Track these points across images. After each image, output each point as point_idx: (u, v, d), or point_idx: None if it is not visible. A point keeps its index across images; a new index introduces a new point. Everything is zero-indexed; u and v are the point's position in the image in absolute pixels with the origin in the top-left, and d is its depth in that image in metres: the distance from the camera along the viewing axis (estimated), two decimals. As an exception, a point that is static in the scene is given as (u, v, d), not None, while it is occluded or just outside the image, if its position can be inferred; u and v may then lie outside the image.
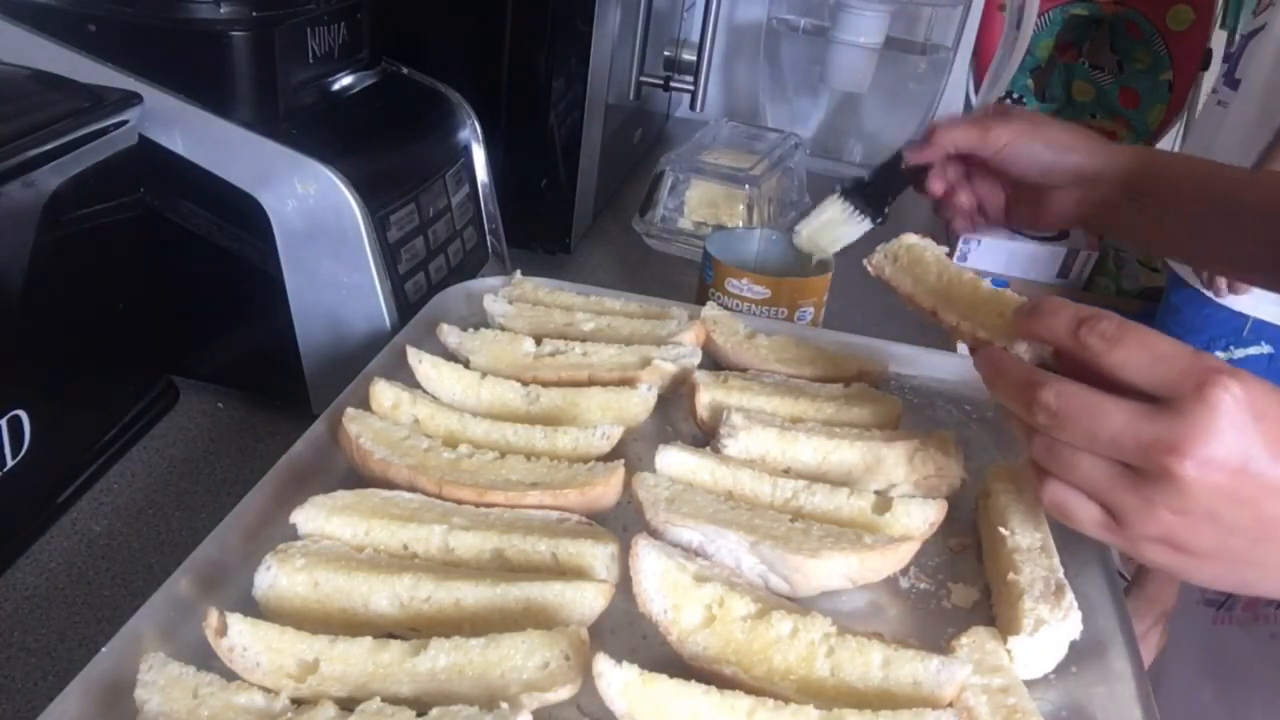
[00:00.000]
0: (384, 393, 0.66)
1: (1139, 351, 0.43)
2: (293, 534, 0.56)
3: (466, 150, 0.91)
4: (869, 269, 0.68)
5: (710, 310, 0.80)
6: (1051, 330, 0.47)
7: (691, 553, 0.55)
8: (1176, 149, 2.16)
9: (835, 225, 0.83)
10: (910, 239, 0.68)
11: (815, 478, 0.62)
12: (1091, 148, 0.75)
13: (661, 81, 1.22)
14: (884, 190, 0.82)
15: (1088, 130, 0.78)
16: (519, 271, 0.86)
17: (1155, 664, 0.92)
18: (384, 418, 0.65)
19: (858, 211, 0.82)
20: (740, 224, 1.12)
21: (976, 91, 2.02)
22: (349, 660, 0.47)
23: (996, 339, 0.56)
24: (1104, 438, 0.44)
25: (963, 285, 0.63)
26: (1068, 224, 0.78)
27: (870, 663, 0.49)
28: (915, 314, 0.66)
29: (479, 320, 0.80)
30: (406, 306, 0.78)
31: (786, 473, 0.63)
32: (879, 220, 0.81)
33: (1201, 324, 1.50)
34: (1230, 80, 1.56)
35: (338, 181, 0.72)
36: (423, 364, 0.70)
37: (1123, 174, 0.73)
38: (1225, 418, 0.41)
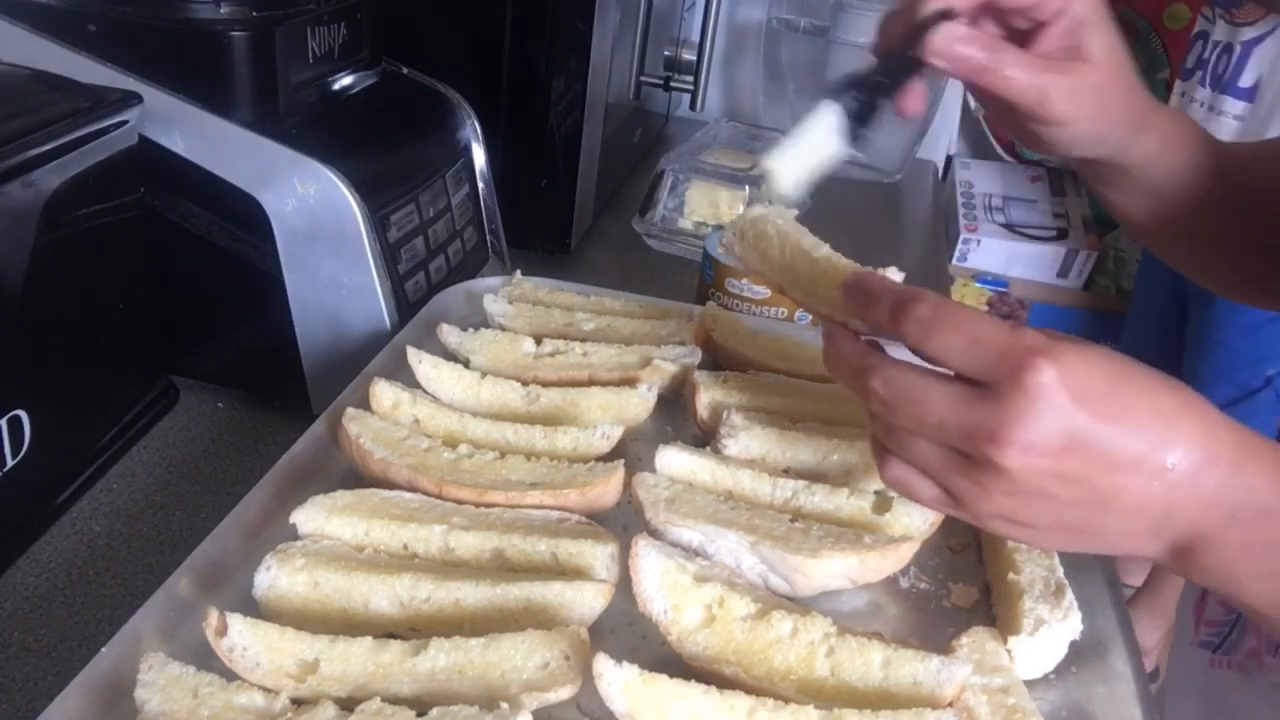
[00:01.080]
0: (384, 393, 0.66)
1: (955, 336, 0.42)
2: (293, 534, 0.56)
3: (466, 150, 0.91)
4: (719, 251, 0.62)
5: (710, 310, 0.80)
6: (873, 317, 0.46)
7: (691, 553, 0.55)
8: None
9: (815, 149, 0.61)
10: (755, 211, 0.61)
11: (815, 478, 0.62)
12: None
13: (661, 81, 1.22)
14: (882, 88, 0.61)
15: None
16: (519, 271, 0.86)
17: (1155, 699, 0.91)
18: (384, 418, 0.65)
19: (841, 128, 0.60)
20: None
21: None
22: (349, 660, 0.47)
23: (838, 313, 0.51)
24: (930, 424, 0.43)
25: (803, 256, 0.57)
26: (1079, 148, 0.60)
27: (870, 663, 0.49)
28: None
29: (479, 320, 0.80)
30: (406, 306, 0.78)
31: (786, 473, 0.63)
32: (858, 136, 0.60)
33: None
34: (1235, 89, 1.53)
35: (338, 181, 0.72)
36: (423, 364, 0.70)
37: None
38: (1041, 402, 0.40)
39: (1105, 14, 0.57)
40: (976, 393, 0.42)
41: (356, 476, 0.61)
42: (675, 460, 0.62)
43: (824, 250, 0.56)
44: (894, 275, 0.51)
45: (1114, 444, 0.41)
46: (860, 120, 0.60)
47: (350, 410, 0.63)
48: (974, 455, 0.42)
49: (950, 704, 0.47)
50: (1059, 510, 0.42)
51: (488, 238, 0.95)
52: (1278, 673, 0.70)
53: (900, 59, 0.58)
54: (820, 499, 0.60)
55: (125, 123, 0.66)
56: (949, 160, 1.95)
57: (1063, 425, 0.40)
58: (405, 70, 0.91)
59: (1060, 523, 0.43)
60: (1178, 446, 0.41)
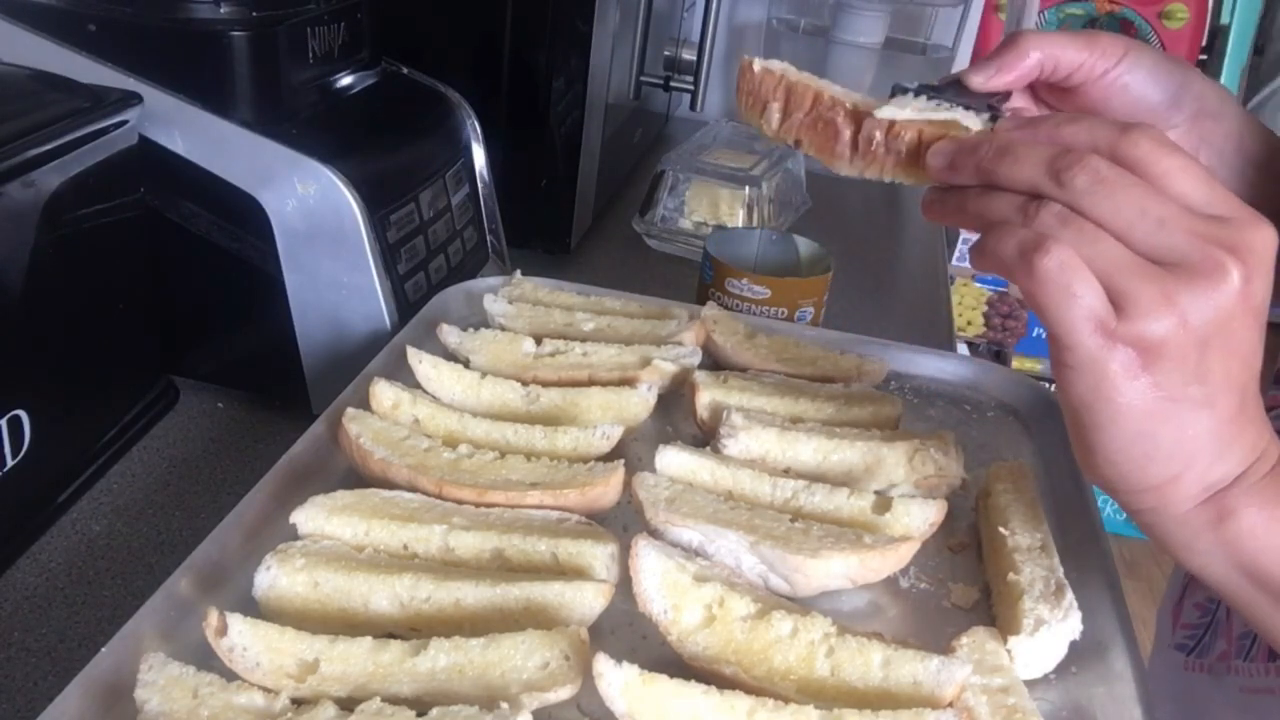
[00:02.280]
0: (384, 393, 0.66)
1: (1195, 168, 0.41)
2: (293, 534, 0.56)
3: (466, 150, 0.91)
4: (755, 68, 0.55)
5: (710, 310, 0.80)
6: (1089, 132, 0.43)
7: (691, 553, 0.55)
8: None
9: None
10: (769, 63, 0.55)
11: (815, 478, 0.62)
12: (1206, 80, 0.58)
13: (661, 81, 1.22)
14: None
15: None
16: (519, 271, 0.86)
17: None
18: (384, 418, 0.65)
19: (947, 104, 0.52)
20: (740, 224, 1.12)
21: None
22: (349, 660, 0.47)
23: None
24: (1155, 215, 0.40)
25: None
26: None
27: (870, 663, 0.49)
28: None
29: (479, 320, 0.80)
30: (406, 306, 0.78)
31: (786, 473, 0.63)
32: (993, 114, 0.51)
33: None
34: None
35: (338, 181, 0.72)
36: (423, 364, 0.70)
37: (1242, 119, 0.59)
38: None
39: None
40: (1216, 215, 0.40)
41: (356, 476, 0.61)
42: (675, 460, 0.62)
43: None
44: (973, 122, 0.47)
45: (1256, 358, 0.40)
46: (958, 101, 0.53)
47: (350, 410, 0.63)
48: (1195, 260, 0.39)
49: (950, 704, 0.47)
50: (1189, 374, 0.41)
51: (488, 238, 0.95)
52: (1246, 676, 0.70)
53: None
54: (820, 499, 0.60)
55: (125, 123, 0.66)
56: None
57: (1270, 291, 0.40)
58: (405, 70, 0.91)
59: (1182, 393, 0.41)
60: None
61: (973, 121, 0.50)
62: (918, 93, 0.53)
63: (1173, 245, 0.40)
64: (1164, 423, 0.42)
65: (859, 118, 0.52)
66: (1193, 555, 0.46)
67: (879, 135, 0.51)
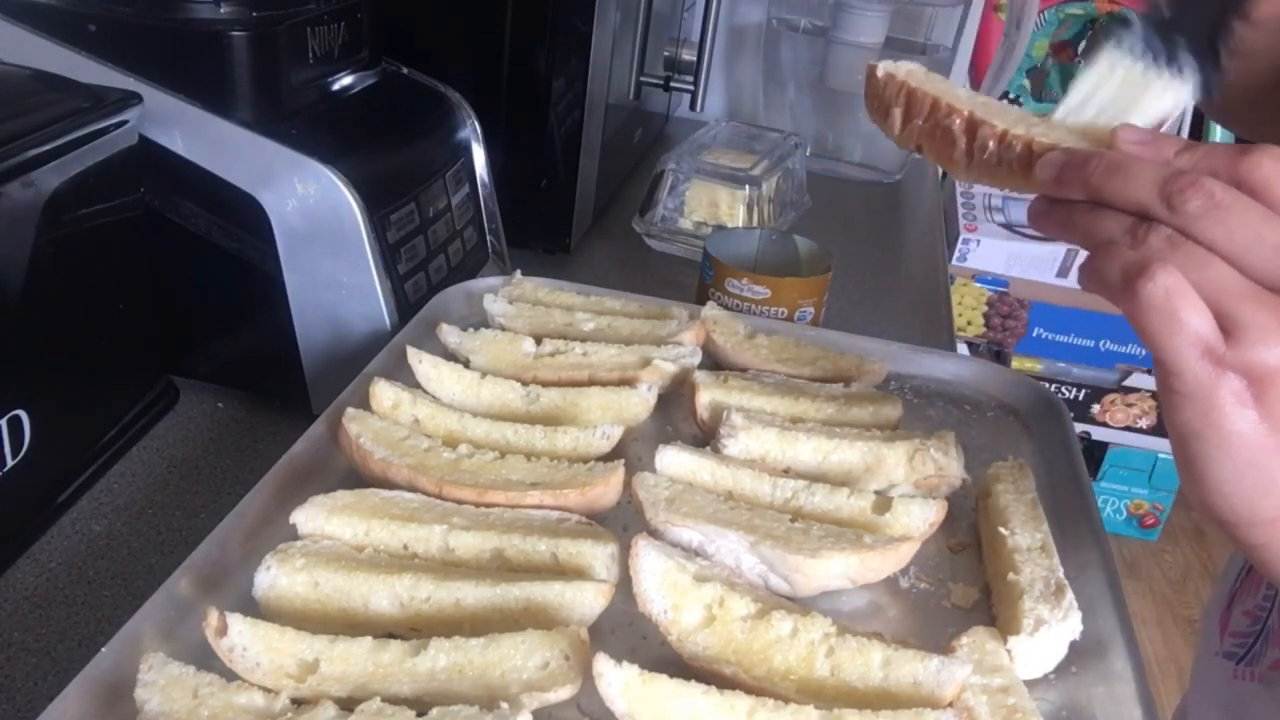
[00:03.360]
0: (384, 393, 0.66)
1: None
2: (293, 534, 0.56)
3: (466, 150, 0.91)
4: (879, 73, 0.52)
5: (710, 310, 0.80)
6: (1207, 157, 0.40)
7: (691, 553, 0.56)
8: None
9: (1125, 97, 0.48)
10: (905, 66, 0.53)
11: (815, 478, 0.62)
12: None
13: (661, 81, 1.22)
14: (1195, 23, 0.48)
15: None
16: (519, 271, 0.86)
17: (1178, 713, 0.90)
18: (384, 418, 0.65)
19: (1158, 63, 0.47)
20: (740, 224, 1.12)
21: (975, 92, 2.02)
22: (349, 660, 0.47)
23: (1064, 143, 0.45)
24: (1271, 241, 0.38)
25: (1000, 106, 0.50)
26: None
27: (870, 663, 0.49)
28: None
29: (479, 320, 0.80)
30: (406, 306, 0.78)
31: (786, 473, 0.63)
32: (1214, 70, 0.47)
33: None
34: None
35: (338, 181, 0.72)
36: (423, 364, 0.70)
37: None
38: None
39: None
40: None
41: (356, 476, 0.61)
42: (675, 460, 0.62)
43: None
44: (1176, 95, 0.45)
45: None
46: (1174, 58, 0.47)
47: (350, 410, 0.63)
48: None
49: (950, 704, 0.47)
50: None
51: (488, 238, 0.95)
52: None
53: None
54: (820, 499, 0.60)
55: (125, 123, 0.66)
56: (949, 160, 1.95)
57: None
58: (405, 70, 0.91)
59: None
60: None
61: (1173, 98, 0.47)
62: (1124, 44, 0.47)
63: None
64: (1267, 466, 0.40)
65: (974, 126, 0.49)
66: None
67: (992, 145, 0.48)
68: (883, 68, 0.53)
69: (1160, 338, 0.40)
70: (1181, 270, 0.39)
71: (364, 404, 0.65)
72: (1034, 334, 2.26)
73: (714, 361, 0.78)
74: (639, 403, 0.68)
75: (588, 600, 0.51)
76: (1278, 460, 0.40)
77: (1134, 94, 0.47)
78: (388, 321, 0.76)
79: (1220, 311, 0.39)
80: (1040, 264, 1.98)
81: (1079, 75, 0.49)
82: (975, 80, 1.92)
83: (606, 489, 0.59)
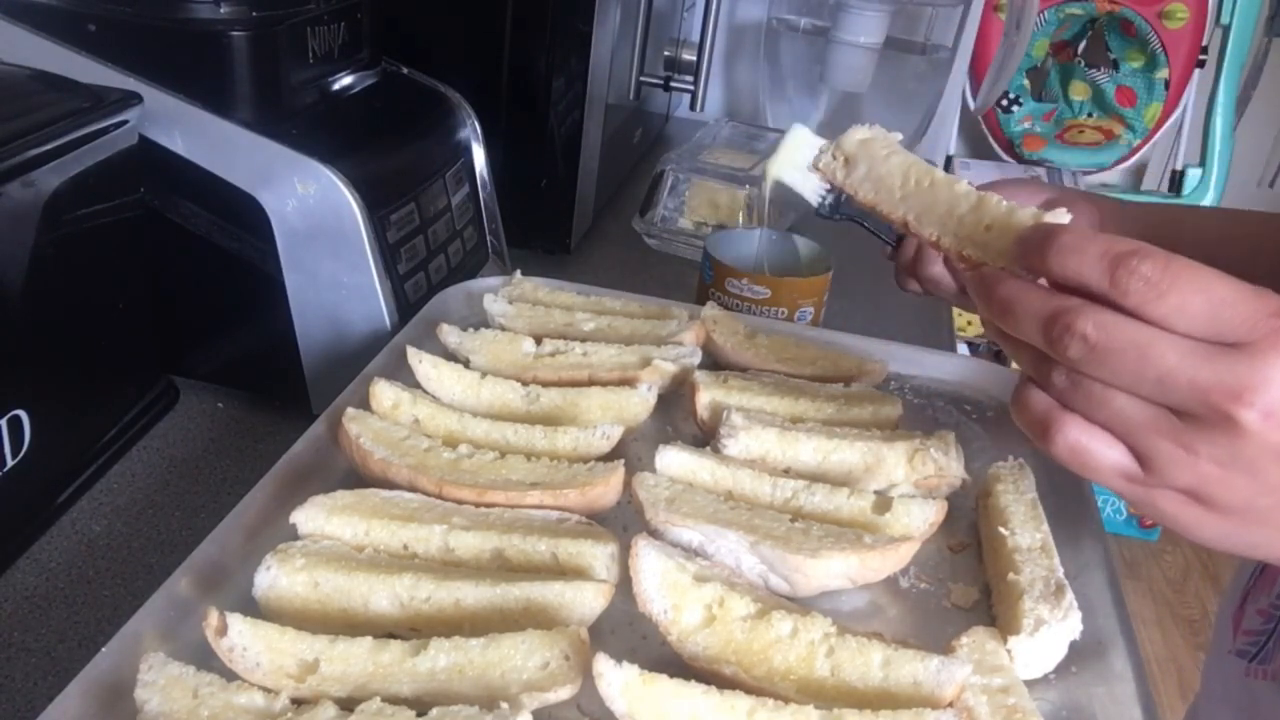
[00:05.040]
0: (384, 393, 0.66)
1: (1196, 297, 0.38)
2: (293, 534, 0.56)
3: (466, 150, 0.91)
4: (818, 172, 0.57)
5: (710, 310, 0.80)
6: (1076, 271, 0.40)
7: (691, 553, 0.55)
8: (1176, 148, 2.16)
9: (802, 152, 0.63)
10: (860, 133, 0.56)
11: (815, 478, 0.62)
12: (1101, 208, 0.67)
13: (661, 81, 1.22)
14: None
15: (1090, 195, 0.70)
16: (519, 271, 0.86)
17: (1189, 713, 0.89)
18: (384, 418, 0.65)
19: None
20: (740, 224, 1.12)
21: (975, 93, 2.02)
22: (349, 660, 0.47)
23: (989, 258, 0.47)
24: (1152, 377, 0.39)
25: (937, 190, 0.51)
26: None
27: (870, 663, 0.49)
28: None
29: (479, 320, 0.80)
30: (406, 306, 0.78)
31: (786, 473, 0.63)
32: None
33: None
34: None
35: (338, 181, 0.72)
36: (423, 364, 0.70)
37: (1140, 230, 0.64)
38: None
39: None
40: (1218, 348, 0.38)
41: (356, 476, 0.61)
42: (675, 460, 0.62)
43: (964, 184, 0.51)
44: (1062, 218, 0.46)
45: None
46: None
47: (350, 410, 0.63)
48: (1203, 414, 0.38)
49: (950, 704, 0.47)
50: (1254, 493, 0.40)
51: (488, 238, 0.95)
52: None
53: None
54: (820, 499, 0.60)
55: (125, 123, 0.66)
56: (949, 160, 1.96)
57: None
58: (405, 70, 0.91)
59: (1246, 507, 0.40)
60: None
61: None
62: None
63: (1178, 401, 0.39)
64: (1246, 532, 0.42)
65: (910, 230, 0.52)
66: None
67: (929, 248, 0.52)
68: (822, 162, 0.56)
69: (1087, 475, 0.43)
70: (1085, 411, 0.41)
71: (364, 404, 0.65)
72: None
73: (714, 361, 0.78)
74: (639, 403, 0.68)
75: (588, 600, 0.51)
76: (1252, 534, 0.42)
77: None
78: (388, 321, 0.76)
79: (1130, 446, 0.41)
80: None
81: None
82: (975, 80, 1.92)
83: (606, 489, 0.59)
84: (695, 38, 1.20)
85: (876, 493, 0.61)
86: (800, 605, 0.53)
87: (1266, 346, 0.38)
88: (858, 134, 0.55)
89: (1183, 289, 0.38)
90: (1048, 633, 0.52)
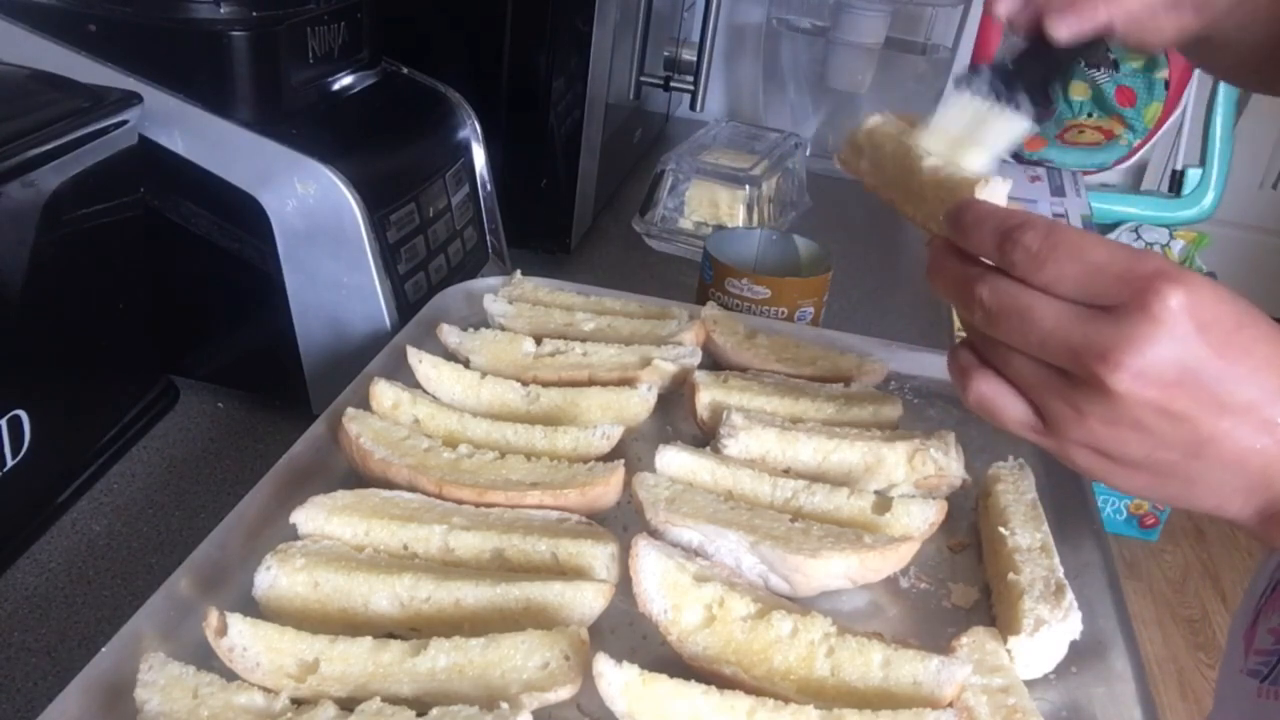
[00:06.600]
0: (384, 393, 0.66)
1: (1070, 265, 0.40)
2: (293, 534, 0.56)
3: (466, 150, 0.91)
4: (839, 165, 0.61)
5: (710, 310, 0.80)
6: (978, 244, 0.44)
7: (691, 553, 0.56)
8: (1176, 148, 2.16)
9: (978, 125, 0.57)
10: (874, 120, 0.60)
11: (815, 478, 0.62)
12: None
13: (661, 81, 1.22)
14: (1032, 74, 0.58)
15: None
16: (519, 271, 0.86)
17: None
18: (384, 418, 0.65)
19: (1000, 101, 0.56)
20: (740, 224, 1.12)
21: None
22: (349, 660, 0.47)
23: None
24: (1034, 340, 0.42)
25: (918, 173, 0.55)
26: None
27: (870, 663, 0.49)
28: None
29: (479, 320, 0.80)
30: (406, 306, 0.78)
31: (786, 473, 0.63)
32: (1045, 108, 0.57)
33: None
34: None
35: (338, 181, 0.72)
36: (423, 364, 0.70)
37: None
38: (1164, 327, 0.38)
39: None
40: (1092, 312, 0.40)
41: (356, 476, 0.61)
42: (675, 460, 0.62)
43: (932, 161, 0.55)
44: (999, 189, 0.49)
45: (1228, 386, 0.39)
46: (1012, 99, 0.57)
47: (350, 410, 0.63)
48: (1079, 375, 0.40)
49: (950, 704, 0.47)
50: (1152, 447, 0.41)
51: (488, 238, 0.95)
52: None
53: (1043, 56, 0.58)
54: (820, 499, 0.60)
55: (125, 123, 0.66)
56: (949, 160, 1.96)
57: (1181, 355, 0.38)
58: (405, 70, 0.91)
59: (1149, 461, 0.41)
60: None
61: (1008, 122, 0.55)
62: (973, 87, 0.57)
63: (1060, 363, 0.41)
64: (1160, 484, 0.43)
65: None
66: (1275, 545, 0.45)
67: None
68: (842, 154, 0.61)
69: (997, 425, 0.46)
70: (997, 368, 0.45)
71: (364, 404, 0.65)
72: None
73: (714, 361, 0.78)
74: (639, 403, 0.68)
75: (588, 600, 0.51)
76: (1166, 486, 0.43)
77: (983, 125, 0.56)
78: (388, 321, 0.76)
79: (1030, 401, 0.44)
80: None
81: (940, 110, 0.57)
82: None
83: (606, 489, 0.59)
84: (695, 38, 1.20)
85: (876, 493, 0.61)
86: (800, 605, 0.53)
87: (1134, 308, 0.39)
88: (870, 122, 0.59)
89: (1060, 257, 0.41)
90: (1048, 633, 0.52)
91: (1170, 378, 0.39)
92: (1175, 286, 0.38)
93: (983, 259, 0.45)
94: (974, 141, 0.56)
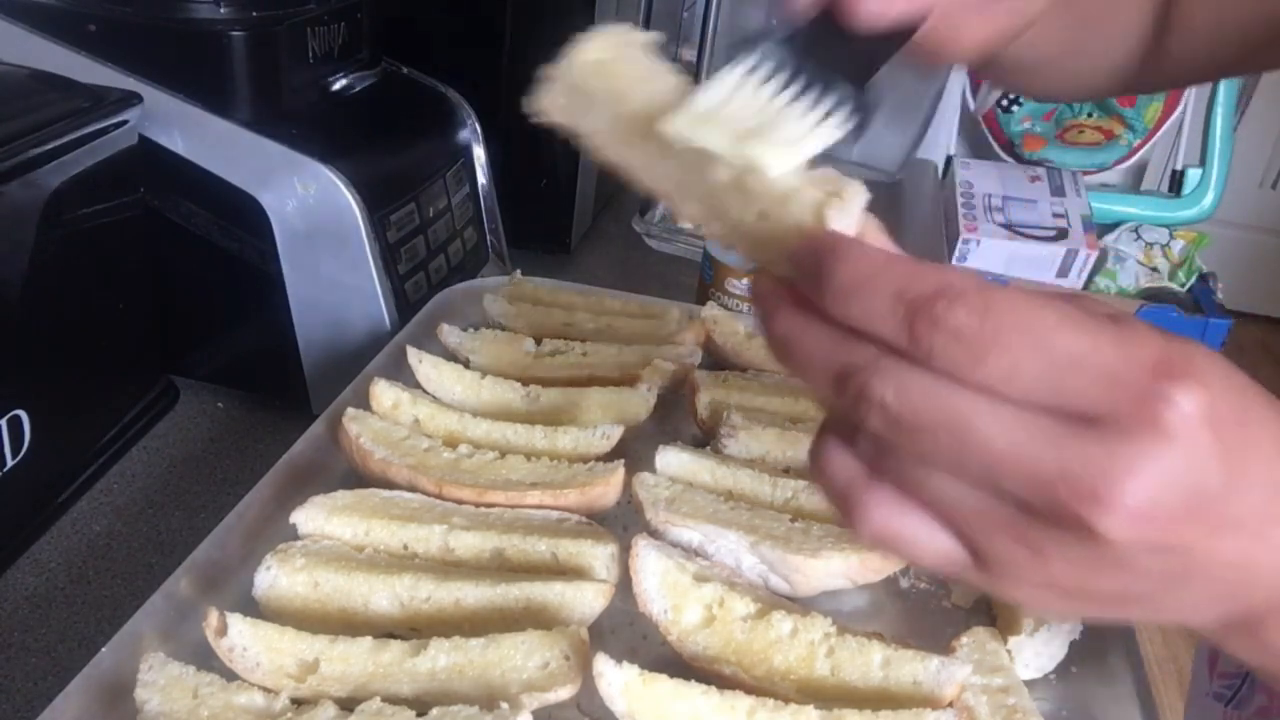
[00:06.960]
0: (384, 393, 0.66)
1: (1029, 357, 0.27)
2: (293, 534, 0.56)
3: (466, 150, 0.91)
4: (529, 112, 0.41)
5: (710, 310, 0.80)
6: (863, 319, 0.29)
7: (691, 553, 0.56)
8: (1176, 148, 2.16)
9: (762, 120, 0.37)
10: (592, 50, 0.41)
11: (815, 478, 0.62)
12: None
13: (661, 81, 1.22)
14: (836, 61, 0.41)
15: None
16: (519, 271, 0.86)
17: None
18: (384, 418, 0.65)
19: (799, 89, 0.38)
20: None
21: (974, 93, 2.02)
22: (349, 660, 0.47)
23: (770, 259, 0.34)
24: (976, 464, 0.28)
25: (706, 170, 0.35)
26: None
27: (870, 663, 0.49)
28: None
29: (479, 320, 0.80)
30: (406, 306, 0.78)
31: (786, 473, 0.63)
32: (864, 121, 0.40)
33: None
34: None
35: (338, 181, 0.72)
36: (423, 364, 0.70)
37: None
38: (1178, 445, 0.27)
39: None
40: (1068, 425, 0.27)
41: (356, 476, 0.61)
42: (675, 460, 0.62)
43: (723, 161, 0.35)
44: (854, 205, 0.34)
45: (1231, 499, 0.28)
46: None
47: (350, 410, 0.63)
48: (1047, 513, 0.28)
49: (950, 704, 0.47)
50: (1128, 583, 0.30)
51: (488, 238, 0.95)
52: None
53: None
54: (820, 499, 0.60)
55: (125, 123, 0.66)
56: (949, 160, 1.96)
57: (1195, 479, 0.27)
58: (405, 70, 0.91)
59: (1119, 596, 0.31)
60: None
61: (815, 137, 0.36)
62: (758, 65, 0.38)
63: (1016, 494, 0.28)
64: (1123, 610, 0.32)
65: None
66: (1236, 651, 0.37)
67: None
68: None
69: (910, 563, 0.34)
70: (898, 485, 0.30)
71: (364, 404, 0.65)
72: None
73: (714, 361, 0.78)
74: (639, 403, 0.68)
75: (588, 600, 0.51)
76: (1121, 611, 0.32)
77: (768, 123, 0.36)
78: (388, 321, 0.76)
79: (961, 535, 0.30)
80: (1040, 264, 1.98)
81: (705, 86, 0.38)
82: (974, 83, 1.92)
83: (606, 489, 0.59)
84: (695, 38, 1.20)
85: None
86: (800, 605, 0.53)
87: (1135, 421, 0.27)
88: (586, 52, 0.40)
89: (1011, 346, 0.27)
90: (1048, 633, 0.52)
91: (1179, 511, 0.28)
92: (1190, 386, 0.27)
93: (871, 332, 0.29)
94: (771, 137, 0.35)
